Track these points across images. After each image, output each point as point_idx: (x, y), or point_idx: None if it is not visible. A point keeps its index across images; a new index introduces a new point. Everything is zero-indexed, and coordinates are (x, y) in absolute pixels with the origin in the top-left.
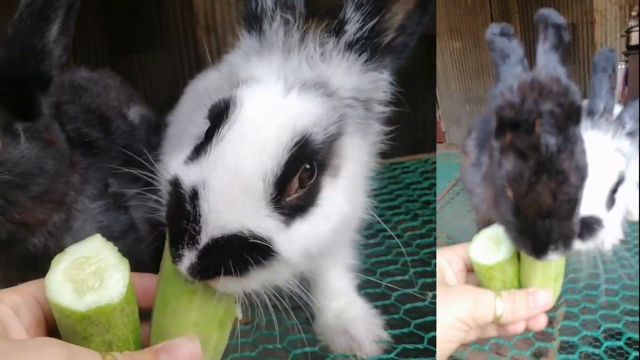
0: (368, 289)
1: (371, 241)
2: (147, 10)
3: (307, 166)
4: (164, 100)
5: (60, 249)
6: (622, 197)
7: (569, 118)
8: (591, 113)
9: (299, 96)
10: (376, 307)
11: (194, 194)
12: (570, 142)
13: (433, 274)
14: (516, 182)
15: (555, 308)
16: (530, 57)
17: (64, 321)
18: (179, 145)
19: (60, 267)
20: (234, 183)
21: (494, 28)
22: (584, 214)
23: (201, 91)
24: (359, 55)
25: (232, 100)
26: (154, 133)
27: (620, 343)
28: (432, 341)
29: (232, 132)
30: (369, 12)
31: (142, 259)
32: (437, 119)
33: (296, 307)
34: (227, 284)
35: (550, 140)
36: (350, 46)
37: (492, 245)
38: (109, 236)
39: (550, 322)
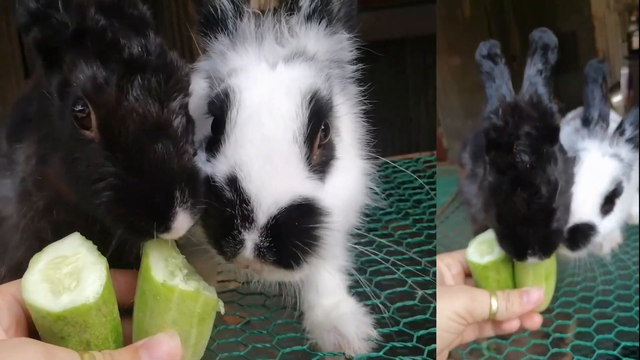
0: (359, 288)
1: (361, 240)
2: None
3: (322, 126)
4: None
5: None
6: (622, 203)
7: (543, 138)
8: (587, 122)
9: (287, 66)
10: (366, 305)
11: (233, 180)
12: (542, 160)
13: (424, 272)
14: (496, 193)
15: (550, 310)
16: None
17: (40, 322)
18: None
19: (38, 267)
20: (270, 154)
21: (482, 49)
22: (578, 221)
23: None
24: (319, 23)
25: (229, 89)
26: None
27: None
28: (422, 339)
29: (244, 112)
30: None
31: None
32: (439, 136)
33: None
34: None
35: (524, 158)
36: (309, 18)
37: (486, 248)
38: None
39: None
